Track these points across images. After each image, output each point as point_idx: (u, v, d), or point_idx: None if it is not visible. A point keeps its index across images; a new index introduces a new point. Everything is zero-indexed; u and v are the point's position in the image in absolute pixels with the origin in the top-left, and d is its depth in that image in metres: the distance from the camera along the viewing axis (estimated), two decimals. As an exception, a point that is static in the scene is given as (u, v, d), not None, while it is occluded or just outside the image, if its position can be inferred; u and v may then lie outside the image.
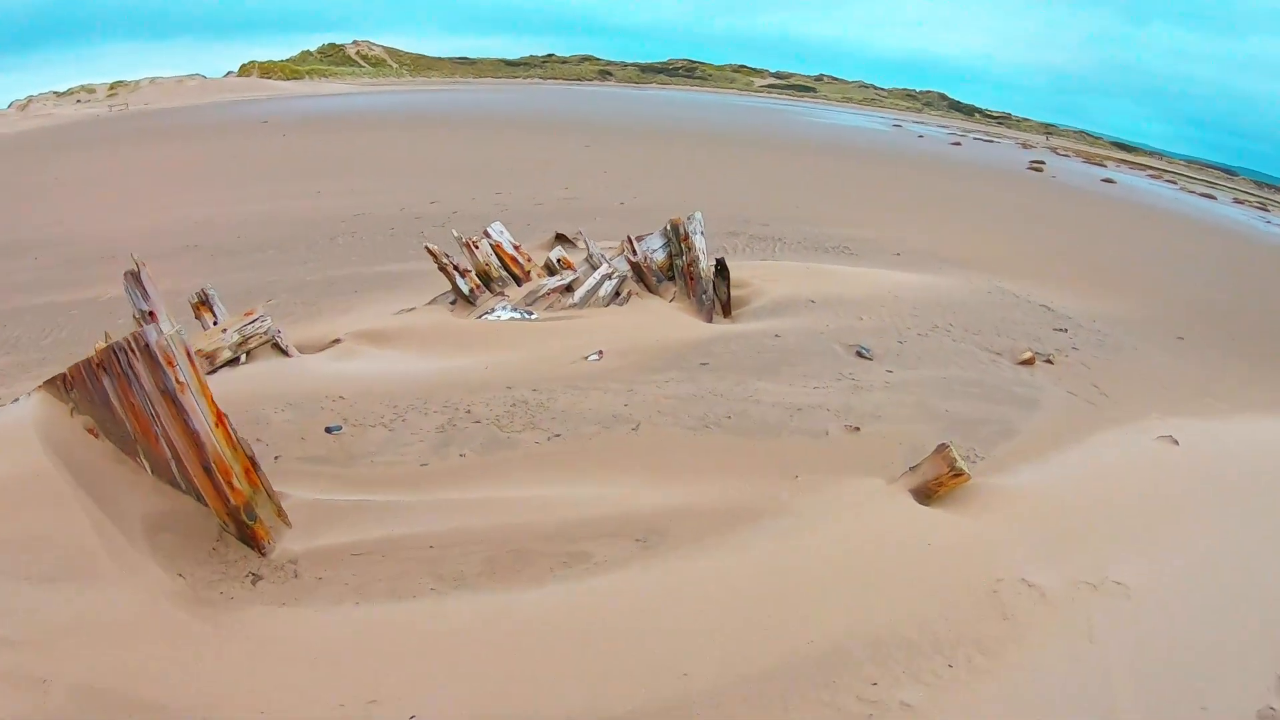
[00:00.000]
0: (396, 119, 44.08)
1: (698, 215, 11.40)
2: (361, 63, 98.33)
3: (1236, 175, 73.83)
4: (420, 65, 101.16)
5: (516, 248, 10.91)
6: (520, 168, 25.73)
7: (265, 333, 9.18)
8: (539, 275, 10.97)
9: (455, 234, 10.92)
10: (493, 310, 10.12)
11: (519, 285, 10.81)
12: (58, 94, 79.07)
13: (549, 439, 7.12)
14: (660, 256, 11.38)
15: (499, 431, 7.21)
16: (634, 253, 11.08)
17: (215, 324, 9.35)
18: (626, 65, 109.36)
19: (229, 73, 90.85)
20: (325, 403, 7.80)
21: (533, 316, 10.15)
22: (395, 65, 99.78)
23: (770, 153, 34.65)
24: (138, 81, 79.25)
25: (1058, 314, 13.32)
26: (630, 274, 11.20)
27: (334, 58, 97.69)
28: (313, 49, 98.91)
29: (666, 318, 10.53)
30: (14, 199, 22.78)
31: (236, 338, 8.98)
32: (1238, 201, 48.48)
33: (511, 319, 10.06)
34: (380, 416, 7.46)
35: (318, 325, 10.84)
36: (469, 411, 7.58)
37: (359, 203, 19.57)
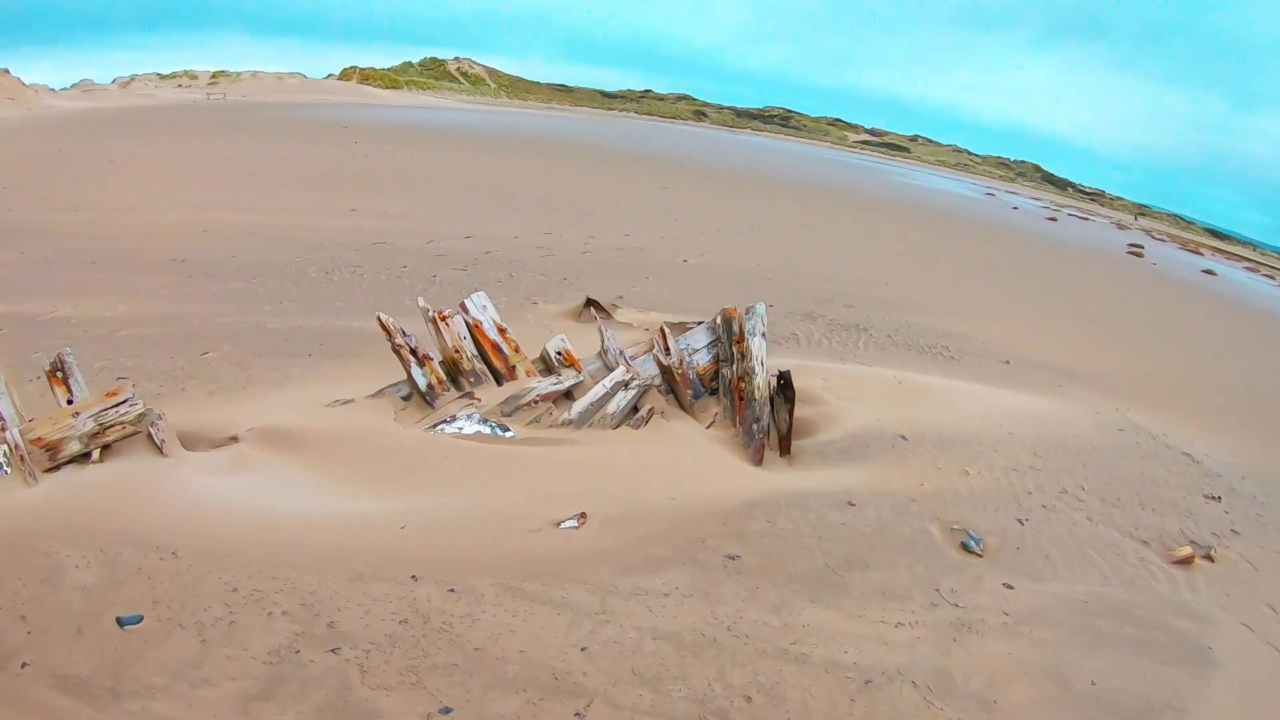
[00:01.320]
0: (475, 138, 41.78)
1: (760, 309, 8.23)
2: (461, 79, 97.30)
3: None
4: (518, 88, 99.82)
5: (502, 331, 7.80)
6: (583, 203, 22.87)
7: (133, 421, 6.26)
8: (529, 372, 7.84)
9: (421, 304, 7.87)
10: (453, 419, 7.07)
11: (499, 384, 7.71)
12: (161, 76, 79.24)
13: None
14: (703, 359, 8.24)
15: (353, 686, 4.12)
16: (666, 352, 7.93)
17: (70, 402, 6.44)
18: (723, 109, 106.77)
19: (330, 75, 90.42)
20: (148, 560, 5.02)
21: (508, 434, 7.07)
22: (493, 85, 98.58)
23: (861, 213, 31.27)
24: (239, 74, 78.98)
25: (1204, 469, 10.01)
26: (658, 381, 8.04)
27: (434, 71, 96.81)
28: (414, 61, 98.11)
29: (697, 456, 7.38)
30: (56, 176, 21.47)
31: (91, 425, 6.15)
32: None
33: (477, 434, 6.99)
34: (204, 609, 4.53)
35: (233, 403, 7.95)
36: (330, 626, 4.54)
37: (386, 227, 16.87)
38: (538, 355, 7.98)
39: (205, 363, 9.08)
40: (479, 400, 7.36)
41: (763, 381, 7.76)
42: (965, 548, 6.52)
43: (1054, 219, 51.55)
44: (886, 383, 10.37)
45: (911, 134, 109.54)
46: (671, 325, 8.41)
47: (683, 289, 14.51)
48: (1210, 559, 7.28)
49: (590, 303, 12.16)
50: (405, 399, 7.48)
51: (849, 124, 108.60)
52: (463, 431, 6.95)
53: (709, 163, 43.01)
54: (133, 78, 75.24)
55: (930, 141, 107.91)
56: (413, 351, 7.26)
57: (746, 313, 8.00)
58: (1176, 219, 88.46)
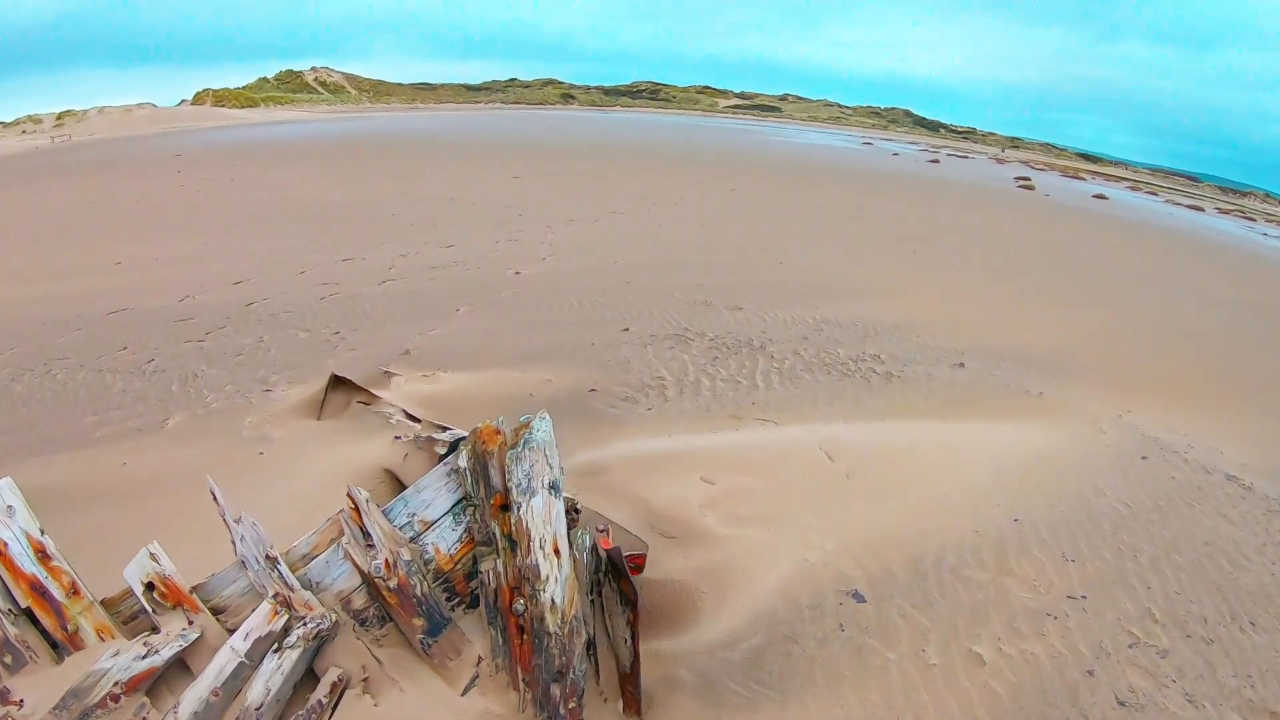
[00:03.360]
0: (313, 150, 36.39)
1: (539, 433, 3.63)
2: (320, 89, 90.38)
3: (1200, 182, 74.37)
4: (380, 91, 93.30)
5: (43, 557, 3.25)
6: (410, 210, 18.26)
7: None
8: (104, 632, 3.35)
9: None
10: None
11: (59, 657, 3.19)
12: (3, 124, 70.83)
13: None
14: (447, 540, 3.85)
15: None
16: (366, 541, 3.51)
17: None
18: (590, 89, 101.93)
19: (183, 101, 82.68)
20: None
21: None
22: (354, 92, 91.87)
23: (736, 179, 27.12)
24: (86, 111, 71.17)
25: (1263, 497, 6.97)
26: (362, 605, 3.63)
27: (291, 85, 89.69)
28: (270, 76, 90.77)
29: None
30: None
31: None
32: (1221, 212, 45.80)
33: None
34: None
35: None
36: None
37: (143, 283, 12.33)
38: (121, 595, 3.49)
39: None
40: (16, 708, 2.90)
41: (562, 592, 3.42)
42: None
43: (936, 160, 48.87)
44: (809, 461, 6.22)
45: (782, 94, 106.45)
46: (433, 435, 4.02)
47: (503, 321, 10.18)
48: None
49: (338, 384, 7.74)
50: None
51: (718, 90, 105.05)
52: None
53: (568, 145, 38.42)
54: (-30, 128, 66.75)
55: (801, 99, 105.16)
56: None
57: (519, 444, 3.51)
58: (1049, 147, 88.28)
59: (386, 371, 8.48)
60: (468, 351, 8.96)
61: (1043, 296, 13.74)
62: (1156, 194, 52.31)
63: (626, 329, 9.68)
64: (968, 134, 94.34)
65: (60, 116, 72.28)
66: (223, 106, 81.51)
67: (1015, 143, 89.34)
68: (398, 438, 6.51)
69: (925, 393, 8.32)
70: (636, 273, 12.72)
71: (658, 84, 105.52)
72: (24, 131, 69.77)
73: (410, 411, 7.60)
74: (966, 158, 58.81)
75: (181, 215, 17.88)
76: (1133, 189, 53.93)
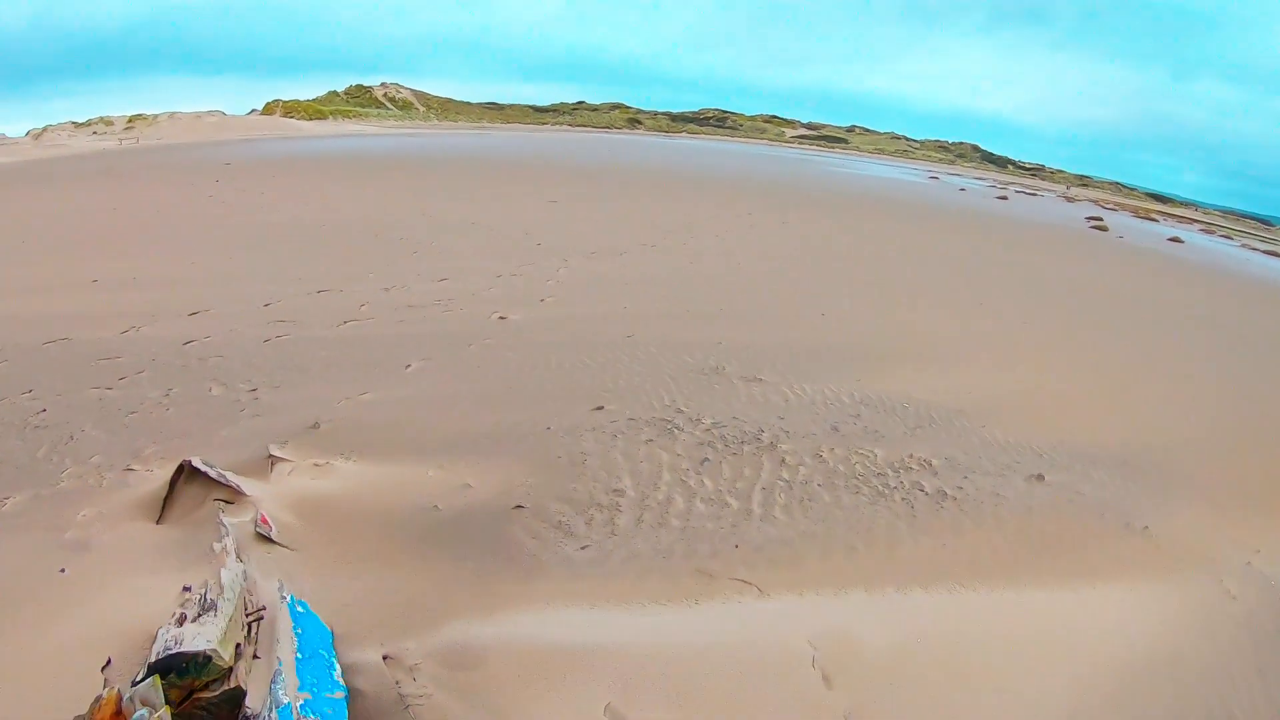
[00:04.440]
0: (370, 163, 34.91)
1: None
2: (388, 105, 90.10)
3: (1273, 225, 71.31)
4: (448, 109, 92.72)
5: None
6: (423, 235, 16.32)
7: None
8: None
9: None
10: None
11: None
12: (76, 124, 71.44)
13: None
14: None
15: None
16: None
17: None
18: (657, 114, 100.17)
19: (253, 110, 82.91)
20: None
21: None
22: (422, 109, 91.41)
23: (792, 210, 24.68)
24: (156, 116, 71.44)
25: None
26: None
27: (360, 99, 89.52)
28: (340, 90, 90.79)
29: None
30: None
31: None
32: None
33: None
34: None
35: None
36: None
37: (96, 307, 10.63)
38: None
39: None
40: None
41: None
42: None
43: (1004, 197, 45.94)
44: (790, 682, 3.91)
45: (849, 125, 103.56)
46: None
47: (455, 385, 8.04)
48: None
49: (187, 474, 5.62)
50: None
51: (785, 119, 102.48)
52: None
53: (621, 169, 36.38)
54: (45, 129, 67.35)
55: (868, 131, 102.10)
56: None
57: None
58: (1118, 186, 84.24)
59: (272, 456, 6.35)
60: (391, 428, 6.82)
61: (1133, 364, 11.19)
62: (1231, 238, 48.96)
63: (601, 407, 7.44)
64: (1035, 171, 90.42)
65: (132, 120, 72.64)
66: (291, 117, 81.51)
67: (1084, 181, 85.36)
68: (187, 589, 4.36)
69: (990, 529, 5.89)
70: (645, 323, 10.48)
71: (725, 111, 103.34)
72: (95, 132, 70.22)
73: (270, 520, 5.53)
74: (1035, 195, 55.54)
75: (189, 229, 16.19)
76: (1206, 231, 50.82)
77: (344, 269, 12.87)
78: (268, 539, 5.47)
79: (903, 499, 6.19)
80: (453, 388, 7.90)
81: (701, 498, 5.81)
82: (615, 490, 5.81)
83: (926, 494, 6.31)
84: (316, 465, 6.35)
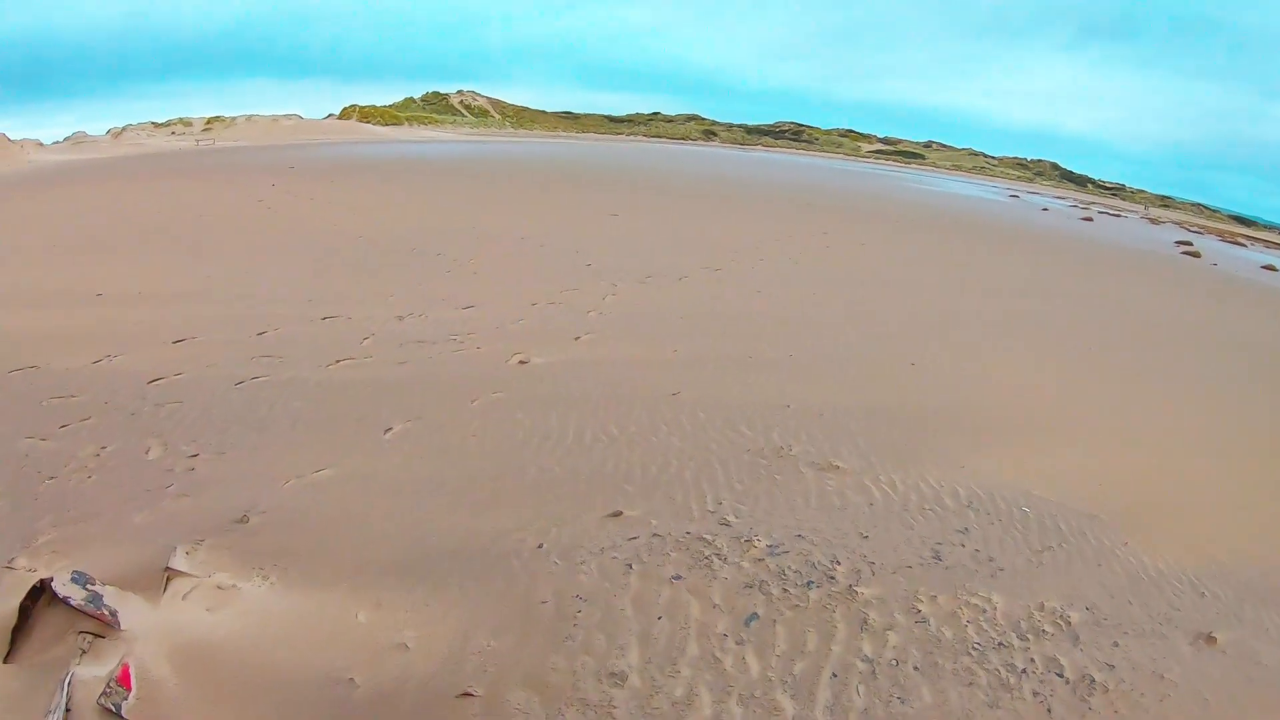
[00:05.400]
0: (434, 168, 33.63)
1: None
2: (464, 112, 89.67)
3: None
4: (524, 117, 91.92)
5: None
6: (464, 248, 14.69)
7: None
8: None
9: None
10: None
11: None
12: (155, 124, 72.31)
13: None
14: None
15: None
16: None
17: None
18: (732, 126, 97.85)
19: (329, 115, 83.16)
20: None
21: None
22: (498, 116, 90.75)
23: (872, 229, 22.34)
24: (234, 118, 71.89)
25: None
26: None
27: (436, 105, 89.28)
28: (416, 96, 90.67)
29: None
30: None
31: None
32: None
33: None
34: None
35: None
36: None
37: (138, 326, 9.46)
38: None
39: None
40: None
41: None
42: None
43: (1089, 218, 42.92)
44: None
45: (926, 140, 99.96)
46: None
47: (435, 463, 6.26)
48: None
49: (47, 597, 3.84)
50: None
51: (861, 134, 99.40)
52: None
53: (692, 181, 34.37)
54: (125, 127, 68.28)
55: (945, 147, 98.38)
56: None
57: None
58: (1200, 208, 79.62)
59: (169, 569, 4.59)
60: (334, 528, 5.03)
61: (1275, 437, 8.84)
62: (1324, 265, 44.77)
63: (619, 512, 5.47)
64: (1116, 190, 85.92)
65: (210, 121, 73.25)
66: (367, 122, 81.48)
67: (1165, 201, 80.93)
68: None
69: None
70: (695, 373, 8.52)
71: (800, 125, 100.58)
72: (173, 133, 71.01)
73: (134, 677, 3.85)
74: (1119, 216, 52.00)
75: (224, 236, 14.87)
76: (1300, 258, 46.65)
77: (363, 289, 11.20)
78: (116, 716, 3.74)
79: (1034, 692, 4.12)
80: (433, 466, 6.04)
81: (741, 693, 3.81)
82: (614, 674, 3.86)
83: (1066, 681, 4.22)
84: (220, 589, 4.58)
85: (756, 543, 5.18)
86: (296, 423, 6.77)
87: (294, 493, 5.58)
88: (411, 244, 14.74)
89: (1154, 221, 53.30)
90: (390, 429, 6.68)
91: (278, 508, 5.34)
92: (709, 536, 5.23)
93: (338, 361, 8.31)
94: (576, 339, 9.54)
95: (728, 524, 5.44)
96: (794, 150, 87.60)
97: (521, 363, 8.56)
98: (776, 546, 5.18)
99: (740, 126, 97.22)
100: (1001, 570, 5.36)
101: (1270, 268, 32.47)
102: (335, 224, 16.61)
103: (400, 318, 10.01)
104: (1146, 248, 30.81)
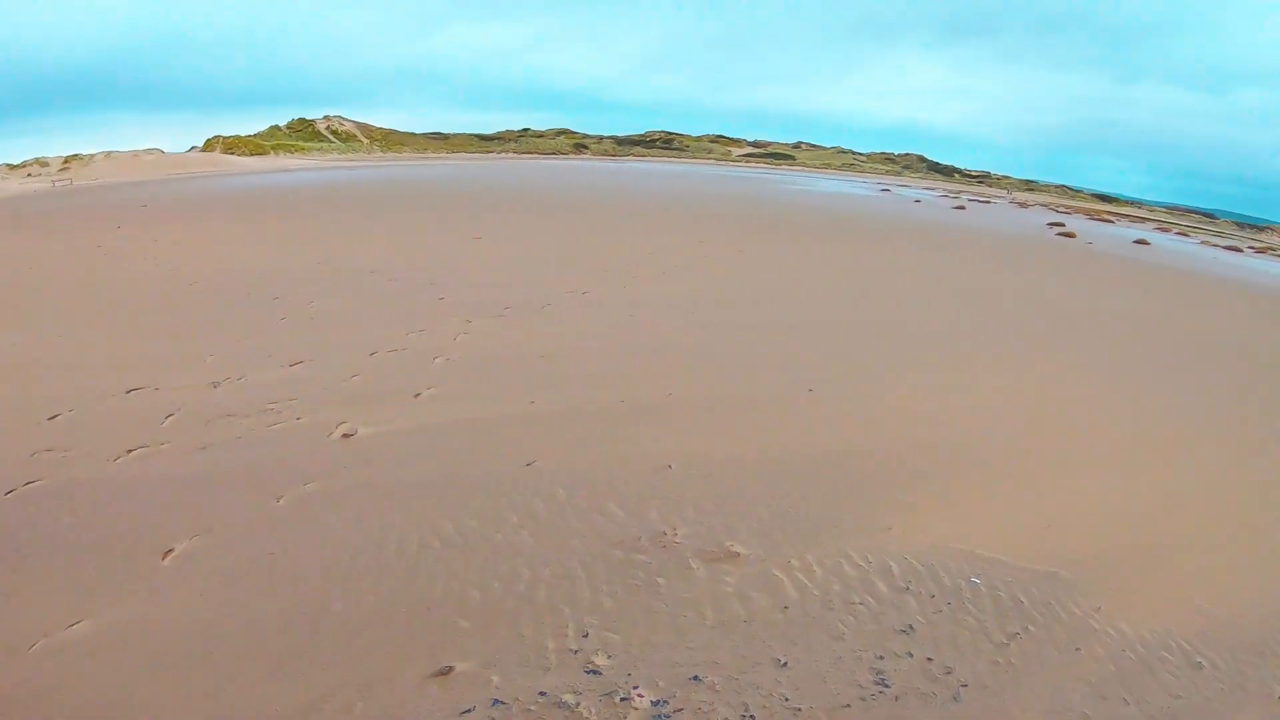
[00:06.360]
0: (295, 199, 30.94)
1: None
2: (331, 138, 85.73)
3: (1216, 219, 71.77)
4: (392, 141, 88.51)
5: None
6: (336, 284, 12.52)
7: None
8: None
9: None
10: None
11: None
12: (10, 166, 66.25)
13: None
14: None
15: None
16: None
17: None
18: (603, 139, 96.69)
19: (192, 147, 78.04)
20: None
21: None
22: (366, 140, 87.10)
23: (750, 234, 21.15)
24: (93, 155, 66.47)
25: None
26: None
27: (303, 133, 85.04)
28: (282, 124, 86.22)
29: None
30: None
31: None
32: (1257, 252, 40.67)
33: None
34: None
35: None
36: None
37: None
38: None
39: None
40: None
41: None
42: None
43: (961, 207, 43.40)
44: None
45: (795, 141, 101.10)
46: None
47: (230, 597, 4.63)
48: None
49: None
50: None
51: (732, 139, 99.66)
52: None
53: (560, 196, 32.77)
54: (-21, 170, 62.13)
55: (814, 146, 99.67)
56: None
57: None
58: (1065, 189, 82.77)
59: None
60: (89, 712, 3.18)
61: (1226, 446, 7.82)
62: (1187, 235, 47.08)
63: (449, 668, 3.85)
64: (982, 178, 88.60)
65: (68, 160, 67.69)
66: (231, 153, 76.92)
67: (1030, 185, 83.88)
68: None
69: None
70: (555, 431, 6.90)
71: (671, 133, 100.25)
72: (29, 174, 65.22)
73: None
74: (988, 202, 52.99)
75: (47, 292, 12.47)
76: (1162, 230, 48.98)
77: (184, 348, 9.20)
78: None
79: None
80: (220, 604, 4.29)
81: None
82: None
83: None
84: None
85: (637, 701, 3.61)
86: (59, 549, 4.88)
87: (39, 660, 3.75)
88: (250, 286, 12.68)
89: (1022, 205, 54.60)
90: (170, 550, 4.86)
91: (19, 686, 3.50)
92: (571, 698, 3.63)
93: (128, 452, 6.37)
94: (417, 396, 7.80)
95: (596, 670, 3.85)
96: (666, 159, 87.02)
97: (346, 436, 6.79)
98: (665, 702, 3.61)
99: (611, 138, 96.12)
100: (964, 687, 3.94)
101: (1142, 242, 33.16)
102: (176, 268, 14.33)
103: (215, 384, 8.08)
104: (1024, 232, 30.82)
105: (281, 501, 5.65)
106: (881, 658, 4.11)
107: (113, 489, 5.80)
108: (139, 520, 5.36)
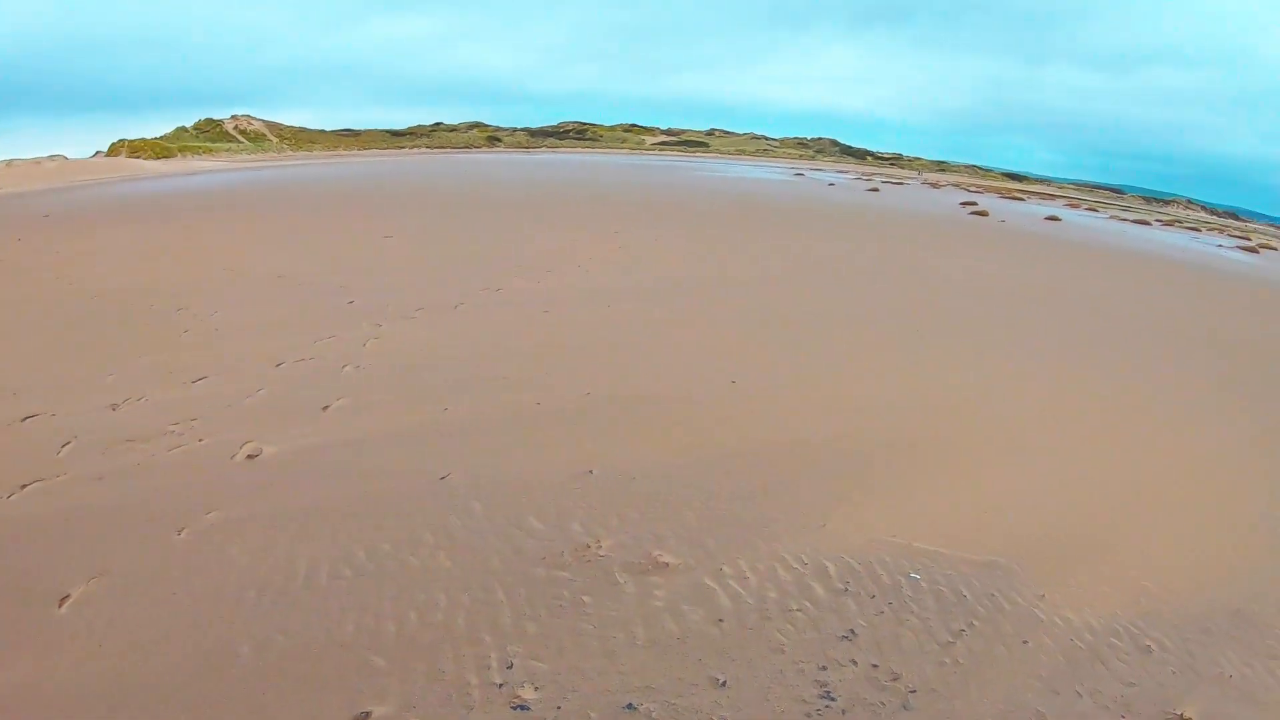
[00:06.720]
0: (203, 203, 29.39)
1: None
2: (240, 138, 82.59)
3: (1124, 194, 73.68)
4: (302, 139, 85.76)
5: None
6: (241, 291, 11.73)
7: None
8: None
9: None
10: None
11: None
12: (-95, 178, 61.93)
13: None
14: None
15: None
16: None
17: None
18: (516, 131, 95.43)
19: (97, 152, 74.25)
20: None
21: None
22: (275, 140, 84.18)
23: (664, 224, 20.86)
24: (-7, 163, 62.53)
25: None
26: None
27: (210, 134, 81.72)
28: (189, 125, 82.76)
29: None
30: None
31: None
32: (1164, 225, 42.68)
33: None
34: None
35: None
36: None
37: None
38: None
39: None
40: None
41: None
42: None
43: (875, 189, 43.86)
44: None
45: (709, 129, 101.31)
46: None
47: (126, 661, 3.94)
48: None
49: None
50: None
51: (645, 128, 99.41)
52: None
53: (471, 193, 32.02)
54: None
55: (728, 133, 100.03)
56: None
57: None
58: (975, 169, 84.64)
59: None
60: None
61: (1154, 424, 7.84)
62: (1096, 210, 48.60)
63: (365, 714, 3.45)
64: (894, 160, 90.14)
65: (-36, 169, 63.65)
66: (137, 157, 73.39)
67: (941, 166, 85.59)
68: None
69: None
70: (469, 439, 6.50)
71: (584, 124, 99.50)
72: (-77, 185, 61.16)
73: None
74: (901, 184, 53.82)
75: None
76: (1071, 206, 50.20)
77: (84, 368, 8.47)
78: None
79: None
80: (119, 657, 3.83)
81: None
82: None
83: None
84: None
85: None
86: None
87: None
88: (154, 298, 11.86)
89: (934, 185, 55.53)
90: (67, 597, 4.31)
91: None
92: (490, 744, 3.24)
93: (22, 488, 5.72)
94: (325, 409, 7.29)
95: (524, 705, 3.49)
96: (579, 149, 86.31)
97: (250, 457, 6.26)
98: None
99: (524, 130, 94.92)
100: (913, 693, 3.70)
101: (1053, 218, 34.02)
102: (78, 281, 13.31)
103: (114, 406, 7.42)
104: (939, 212, 31.24)
105: (183, 534, 5.13)
106: (825, 668, 3.84)
107: (5, 530, 5.20)
108: (33, 564, 4.80)
